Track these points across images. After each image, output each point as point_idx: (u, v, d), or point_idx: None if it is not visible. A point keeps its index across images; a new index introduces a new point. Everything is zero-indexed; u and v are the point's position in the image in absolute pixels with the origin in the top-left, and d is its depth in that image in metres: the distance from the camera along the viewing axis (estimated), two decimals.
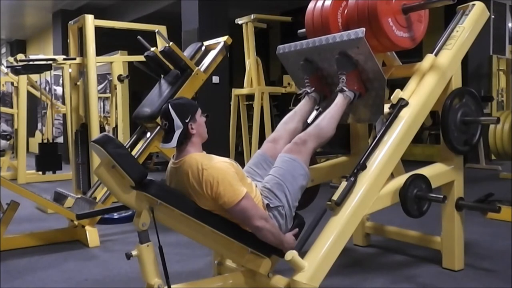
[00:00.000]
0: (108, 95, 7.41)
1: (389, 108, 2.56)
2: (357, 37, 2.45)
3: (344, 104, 2.54)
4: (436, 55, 2.70)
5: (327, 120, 2.48)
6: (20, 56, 6.21)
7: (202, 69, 3.70)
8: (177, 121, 2.10)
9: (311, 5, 2.95)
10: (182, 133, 2.10)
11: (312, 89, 2.72)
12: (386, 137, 2.45)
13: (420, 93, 2.59)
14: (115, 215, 4.28)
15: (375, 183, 2.35)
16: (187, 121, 2.11)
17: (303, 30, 3.01)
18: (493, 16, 8.24)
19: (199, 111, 2.19)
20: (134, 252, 2.02)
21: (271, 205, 2.21)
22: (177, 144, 2.11)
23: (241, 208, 2.04)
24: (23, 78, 7.09)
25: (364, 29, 2.45)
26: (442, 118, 2.70)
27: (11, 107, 8.17)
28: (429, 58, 2.67)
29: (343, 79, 2.56)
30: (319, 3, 2.89)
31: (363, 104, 2.67)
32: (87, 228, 3.58)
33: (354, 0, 2.70)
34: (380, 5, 2.59)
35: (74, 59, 4.50)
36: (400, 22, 2.68)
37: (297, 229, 2.28)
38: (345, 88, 2.55)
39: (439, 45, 2.75)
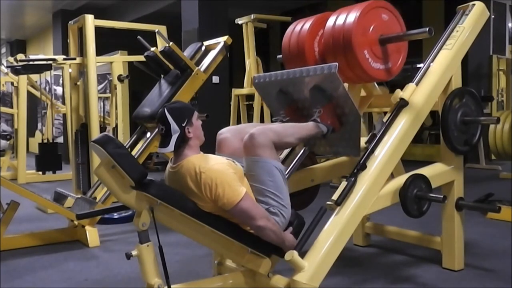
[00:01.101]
0: (108, 95, 7.41)
1: (365, 143, 2.50)
2: (329, 71, 2.39)
3: (313, 129, 2.47)
4: (416, 84, 2.59)
5: (291, 126, 2.45)
6: (20, 56, 6.21)
7: (202, 69, 3.70)
8: (173, 126, 2.09)
9: (288, 30, 2.92)
10: (179, 137, 2.10)
11: (287, 119, 2.67)
12: (386, 137, 2.45)
13: (420, 93, 2.58)
14: (115, 215, 4.28)
15: (375, 183, 2.35)
16: (183, 125, 2.10)
17: (280, 56, 2.99)
18: (493, 16, 8.24)
19: (196, 114, 2.18)
20: (134, 252, 2.02)
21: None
22: (174, 148, 2.11)
23: (242, 208, 2.04)
24: (23, 78, 7.09)
25: (337, 64, 2.38)
26: (442, 118, 2.70)
27: (11, 107, 8.17)
28: (409, 88, 2.56)
29: (317, 112, 2.52)
30: (297, 29, 2.86)
31: (339, 138, 2.61)
32: (87, 228, 3.58)
33: (330, 29, 2.66)
34: (356, 36, 2.55)
35: (74, 59, 4.50)
36: (377, 54, 2.65)
37: (290, 228, 2.25)
38: (318, 120, 2.51)
39: (439, 45, 2.75)
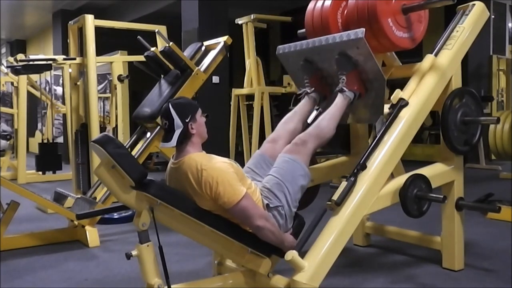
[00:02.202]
0: (108, 95, 7.41)
1: (389, 108, 2.56)
2: (356, 37, 2.45)
3: (344, 105, 2.54)
4: (436, 55, 2.70)
5: (327, 120, 2.48)
6: (20, 56, 6.20)
7: (202, 69, 3.70)
8: (177, 121, 2.10)
9: (311, 5, 2.95)
10: (182, 133, 2.10)
11: (312, 90, 2.72)
12: (386, 137, 2.45)
13: (420, 93, 2.59)
14: (115, 215, 4.28)
15: (375, 183, 2.35)
16: (187, 120, 2.11)
17: (303, 30, 3.01)
18: (493, 16, 8.24)
19: (200, 111, 2.19)
20: (134, 252, 2.02)
21: (270, 205, 2.21)
22: (176, 144, 2.11)
23: (241, 208, 2.04)
24: (23, 78, 7.09)
25: (364, 29, 2.45)
26: (442, 118, 2.70)
27: (11, 107, 8.17)
28: (429, 58, 2.67)
29: (343, 79, 2.56)
30: (319, 3, 2.89)
31: (363, 104, 2.66)
32: (87, 228, 3.58)
33: (354, 0, 2.70)
34: (380, 5, 2.59)
35: (74, 59, 4.50)
36: (400, 23, 2.68)
37: (290, 228, 2.27)
38: (345, 88, 2.55)
39: (439, 45, 2.75)
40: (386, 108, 2.59)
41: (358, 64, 2.55)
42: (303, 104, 2.71)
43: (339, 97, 2.55)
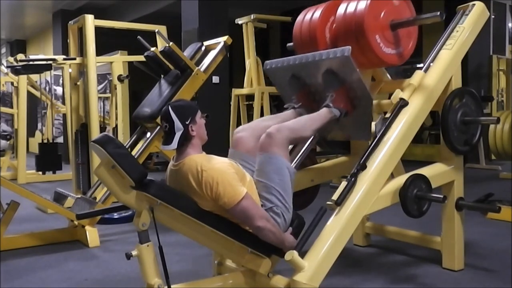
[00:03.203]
0: (108, 95, 7.41)
1: (375, 126, 2.54)
2: (342, 55, 2.42)
3: (327, 117, 2.49)
4: (425, 71, 2.63)
5: (305, 119, 2.46)
6: (20, 56, 6.21)
7: (202, 69, 3.70)
8: (177, 123, 2.10)
9: (299, 17, 2.92)
10: (182, 135, 2.10)
11: (299, 105, 2.68)
12: (386, 137, 2.45)
13: (420, 93, 2.58)
14: (115, 215, 4.28)
15: (375, 183, 2.35)
16: (187, 123, 2.11)
17: (291, 44, 3.00)
18: (493, 16, 8.24)
19: (199, 113, 2.18)
20: (134, 252, 2.02)
21: (264, 208, 2.19)
22: (177, 146, 2.11)
23: (242, 208, 2.04)
24: (23, 78, 7.09)
25: (350, 47, 2.41)
26: (442, 118, 2.70)
27: (11, 107, 8.17)
28: (418, 74, 2.60)
29: (330, 96, 2.54)
30: (308, 16, 2.86)
31: (351, 121, 2.63)
32: (87, 228, 3.58)
33: (341, 15, 2.67)
34: (367, 21, 2.56)
35: (74, 59, 4.50)
36: (388, 39, 2.65)
37: (290, 228, 2.26)
38: (331, 105, 2.52)
39: (439, 45, 2.74)
40: (373, 125, 2.57)
41: (345, 81, 2.52)
42: (288, 112, 2.65)
43: (324, 110, 2.52)
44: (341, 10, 2.71)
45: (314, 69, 2.61)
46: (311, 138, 2.68)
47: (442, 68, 2.67)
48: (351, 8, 2.65)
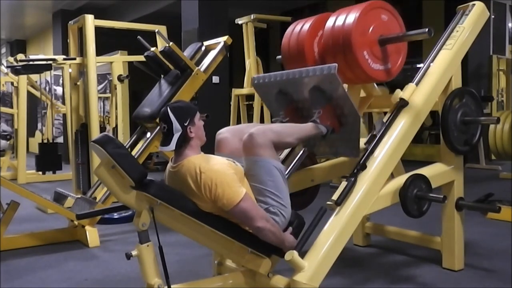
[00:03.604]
0: (108, 95, 7.42)
1: (365, 144, 2.53)
2: (329, 72, 2.39)
3: (312, 131, 2.47)
4: (417, 84, 2.60)
5: (290, 126, 2.46)
6: (20, 56, 6.21)
7: (202, 69, 3.70)
8: (176, 124, 2.09)
9: (288, 31, 2.91)
10: (180, 137, 2.10)
11: (286, 120, 2.66)
12: (386, 137, 2.45)
13: (420, 93, 2.58)
14: (115, 215, 4.28)
15: (375, 183, 2.35)
16: (186, 124, 2.10)
17: (280, 56, 2.99)
18: (493, 16, 8.24)
19: (198, 114, 2.18)
20: (134, 252, 2.02)
21: None
22: (175, 148, 2.11)
23: (241, 209, 2.04)
24: (23, 78, 7.09)
25: (336, 65, 2.38)
26: (442, 118, 2.70)
27: (11, 107, 8.17)
28: (410, 88, 2.57)
29: (318, 112, 2.53)
30: (297, 29, 2.86)
31: (339, 138, 2.61)
32: (87, 228, 3.58)
33: (329, 29, 2.66)
34: (355, 37, 2.55)
35: (74, 59, 4.50)
36: (376, 54, 2.64)
37: (290, 228, 2.25)
38: (317, 121, 2.51)
39: (439, 45, 2.74)
40: (362, 143, 2.56)
41: (332, 98, 2.50)
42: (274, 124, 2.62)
43: (311, 123, 2.50)
44: (329, 24, 2.69)
45: (301, 85, 2.58)
46: (302, 151, 2.67)
47: (441, 69, 2.67)
48: (339, 22, 2.63)
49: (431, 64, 2.68)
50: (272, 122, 2.74)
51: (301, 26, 2.85)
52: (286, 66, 2.90)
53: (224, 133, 2.44)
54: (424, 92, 2.59)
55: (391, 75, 2.75)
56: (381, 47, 2.66)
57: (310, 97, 2.56)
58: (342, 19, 2.62)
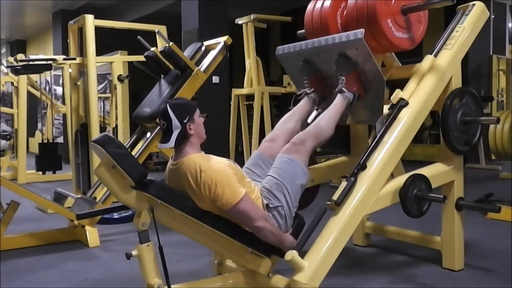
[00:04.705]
0: (108, 95, 7.41)
1: (388, 109, 2.56)
2: (356, 38, 2.45)
3: (343, 105, 2.54)
4: (435, 56, 2.69)
5: (326, 120, 2.48)
6: (20, 56, 6.21)
7: (202, 69, 3.70)
8: (175, 122, 2.09)
9: (310, 5, 2.94)
10: (180, 134, 2.10)
11: (312, 90, 2.72)
12: (386, 137, 2.45)
13: (420, 93, 2.59)
14: (115, 215, 4.28)
15: (375, 183, 2.35)
16: (185, 121, 2.11)
17: (302, 31, 3.01)
18: (493, 16, 8.24)
19: (198, 111, 2.18)
20: (134, 252, 2.02)
21: (270, 205, 2.21)
22: (175, 145, 2.11)
23: (240, 209, 2.04)
24: (23, 78, 7.09)
25: (363, 30, 2.45)
26: (442, 118, 2.70)
27: (11, 107, 8.16)
28: (428, 59, 2.67)
29: (342, 80, 2.56)
30: (319, 4, 2.89)
31: (362, 105, 2.66)
32: (87, 228, 3.58)
33: (353, 1, 2.70)
34: (379, 6, 2.59)
35: (74, 59, 4.50)
36: (399, 23, 2.67)
37: (290, 228, 2.27)
38: (344, 89, 2.55)
39: (439, 45, 2.75)
40: (386, 109, 2.59)
41: (358, 65, 2.55)
42: (303, 104, 2.71)
43: (338, 98, 2.55)
44: None
45: (326, 53, 2.63)
46: None
47: (442, 68, 2.67)
48: None
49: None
50: (296, 96, 2.79)
51: (323, 0, 2.87)
52: (309, 39, 2.92)
53: (270, 141, 2.53)
54: (424, 92, 2.59)
55: (414, 43, 2.77)
56: (404, 16, 2.69)
57: (336, 64, 2.60)
58: None
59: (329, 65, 2.66)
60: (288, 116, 2.63)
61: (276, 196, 2.21)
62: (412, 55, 2.98)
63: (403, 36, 2.71)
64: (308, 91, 2.72)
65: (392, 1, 2.64)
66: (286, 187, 2.22)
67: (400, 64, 3.09)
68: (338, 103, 2.54)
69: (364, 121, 2.84)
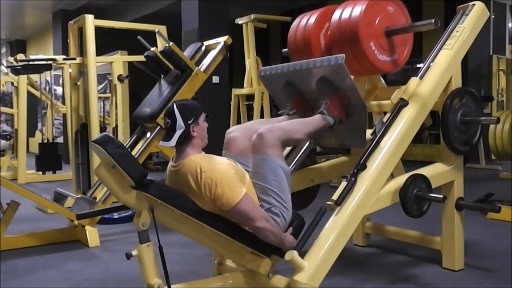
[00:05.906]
0: (108, 95, 7.41)
1: (371, 135, 2.54)
2: (336, 63, 2.41)
3: (320, 123, 2.48)
4: (421, 78, 2.61)
5: (299, 122, 2.45)
6: (20, 56, 6.21)
7: (202, 69, 3.70)
8: (179, 121, 2.10)
9: (294, 23, 2.92)
10: (183, 134, 2.10)
11: (293, 111, 2.67)
12: (386, 137, 2.45)
13: (420, 93, 2.58)
14: (115, 215, 4.28)
15: (375, 183, 2.35)
16: (189, 122, 2.11)
17: (286, 49, 2.99)
18: (493, 16, 8.24)
19: (203, 115, 2.18)
20: (134, 252, 2.02)
21: (263, 208, 2.19)
22: (176, 144, 2.11)
23: (241, 209, 2.04)
24: (23, 78, 7.09)
25: (344, 55, 2.40)
26: (442, 118, 2.70)
27: (11, 107, 8.17)
28: (413, 81, 2.58)
29: (326, 103, 2.53)
30: (303, 22, 2.86)
31: (346, 129, 2.63)
32: (87, 228, 3.58)
33: (336, 22, 2.67)
34: (362, 28, 2.56)
35: (74, 59, 4.50)
36: (383, 46, 2.65)
37: (290, 228, 2.26)
38: (325, 112, 2.51)
39: (439, 45, 2.74)
40: (369, 134, 2.57)
41: (339, 89, 2.51)
42: (281, 118, 2.64)
43: (318, 115, 2.51)
44: (336, 16, 2.70)
45: (308, 76, 2.59)
46: (308, 142, 2.68)
47: (442, 68, 2.67)
48: (345, 14, 2.64)
49: (431, 64, 2.68)
50: (278, 114, 2.75)
51: (307, 19, 2.86)
52: (292, 59, 2.90)
53: (233, 132, 2.45)
54: (424, 92, 2.59)
55: (397, 66, 2.76)
56: (388, 39, 2.67)
57: (317, 87, 2.57)
58: (349, 11, 2.63)
59: (311, 88, 2.62)
60: (262, 120, 2.59)
61: (264, 200, 2.18)
62: (412, 55, 2.98)
63: (386, 59, 2.68)
64: (290, 113, 2.67)
65: (375, 23, 2.61)
66: (271, 188, 2.19)
67: (386, 85, 3.08)
68: (316, 117, 2.49)
69: (349, 145, 2.79)
